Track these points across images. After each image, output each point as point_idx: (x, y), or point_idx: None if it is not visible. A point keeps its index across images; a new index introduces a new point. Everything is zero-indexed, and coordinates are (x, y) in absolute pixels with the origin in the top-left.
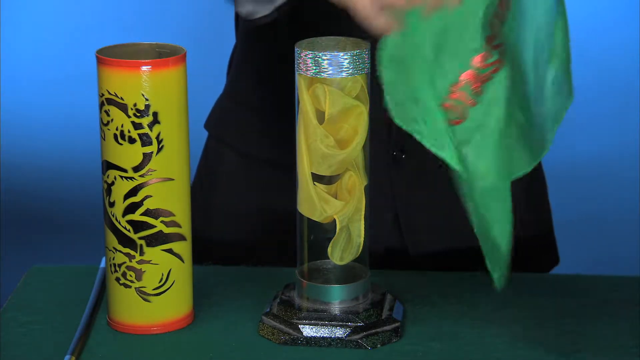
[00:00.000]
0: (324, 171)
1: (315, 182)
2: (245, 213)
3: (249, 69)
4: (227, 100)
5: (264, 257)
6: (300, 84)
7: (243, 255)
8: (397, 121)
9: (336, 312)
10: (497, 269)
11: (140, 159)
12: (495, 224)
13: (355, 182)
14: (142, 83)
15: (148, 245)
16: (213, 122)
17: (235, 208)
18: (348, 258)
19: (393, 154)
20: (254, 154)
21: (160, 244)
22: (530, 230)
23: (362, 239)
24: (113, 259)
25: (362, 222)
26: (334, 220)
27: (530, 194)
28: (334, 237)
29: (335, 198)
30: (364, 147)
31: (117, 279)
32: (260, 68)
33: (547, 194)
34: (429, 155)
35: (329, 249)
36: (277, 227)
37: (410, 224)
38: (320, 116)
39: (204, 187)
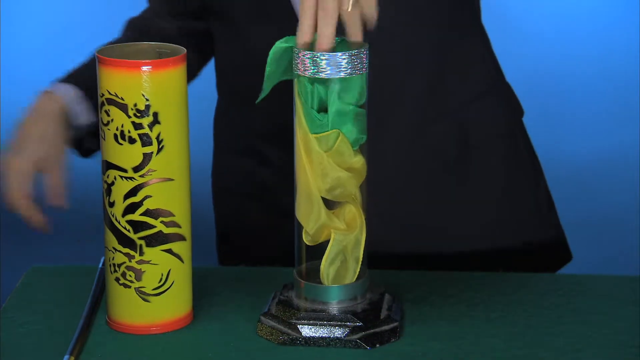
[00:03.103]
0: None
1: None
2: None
3: (231, 131)
4: (220, 155)
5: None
6: (296, 87)
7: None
8: None
9: (335, 312)
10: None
11: (140, 159)
12: None
13: (355, 216)
14: (142, 83)
15: (148, 245)
16: (216, 175)
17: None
18: (340, 281)
19: None
20: (260, 200)
21: (160, 244)
22: (540, 233)
23: (358, 268)
24: (113, 259)
25: (361, 254)
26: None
27: (536, 197)
28: (329, 257)
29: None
30: (361, 187)
31: (117, 279)
32: (244, 131)
33: (550, 194)
34: (390, 165)
35: (322, 268)
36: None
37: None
38: None
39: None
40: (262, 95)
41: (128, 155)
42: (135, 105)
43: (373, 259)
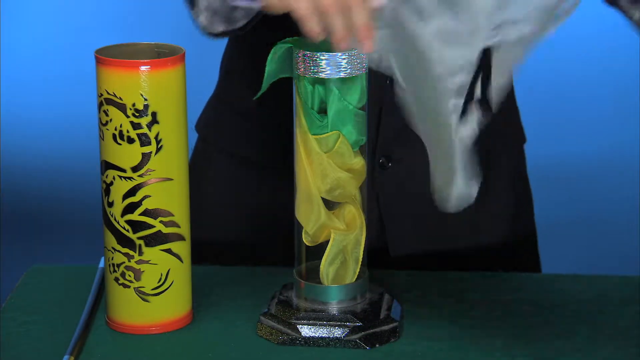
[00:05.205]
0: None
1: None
2: (235, 215)
3: (238, 72)
4: (217, 102)
5: (259, 257)
6: (296, 87)
7: (237, 255)
8: None
9: (334, 312)
10: None
11: (139, 159)
12: None
13: (355, 216)
14: (140, 83)
15: (147, 245)
16: (203, 123)
17: (225, 210)
18: (339, 281)
19: (379, 161)
20: (244, 156)
21: (159, 244)
22: (515, 238)
23: (358, 268)
24: (112, 259)
25: (361, 255)
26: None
27: (518, 203)
28: (329, 257)
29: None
30: (361, 188)
31: (116, 279)
32: (250, 72)
33: (532, 208)
34: (415, 163)
35: (322, 268)
36: (272, 227)
37: (393, 227)
38: None
39: (193, 189)
40: (260, 92)
41: (127, 155)
42: (133, 105)
43: (373, 259)
